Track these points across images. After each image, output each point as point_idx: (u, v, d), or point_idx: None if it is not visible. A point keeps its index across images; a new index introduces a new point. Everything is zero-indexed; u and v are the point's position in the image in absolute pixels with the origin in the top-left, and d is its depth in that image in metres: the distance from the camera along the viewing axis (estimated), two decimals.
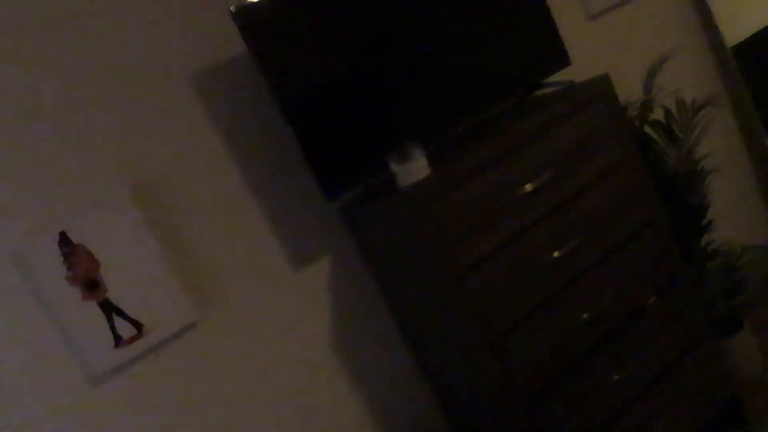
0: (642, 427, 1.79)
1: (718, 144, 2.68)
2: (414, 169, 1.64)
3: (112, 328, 1.72)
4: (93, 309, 1.71)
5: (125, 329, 1.73)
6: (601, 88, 1.85)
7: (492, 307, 1.63)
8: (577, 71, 2.34)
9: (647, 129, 2.25)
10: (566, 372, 1.71)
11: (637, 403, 1.80)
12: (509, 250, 1.66)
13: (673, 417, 1.85)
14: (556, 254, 1.71)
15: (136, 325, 1.74)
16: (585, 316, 1.73)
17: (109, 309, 1.73)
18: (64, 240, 1.71)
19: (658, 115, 2.30)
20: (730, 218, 2.67)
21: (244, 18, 1.67)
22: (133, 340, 1.74)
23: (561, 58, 2.05)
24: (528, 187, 1.70)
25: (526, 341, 1.66)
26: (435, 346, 1.85)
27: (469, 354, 1.68)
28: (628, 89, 2.44)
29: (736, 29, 2.60)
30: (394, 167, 1.64)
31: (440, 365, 1.89)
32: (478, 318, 1.61)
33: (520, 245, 1.68)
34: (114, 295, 1.73)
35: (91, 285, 1.73)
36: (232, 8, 1.67)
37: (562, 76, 2.19)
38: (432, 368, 1.97)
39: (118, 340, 1.72)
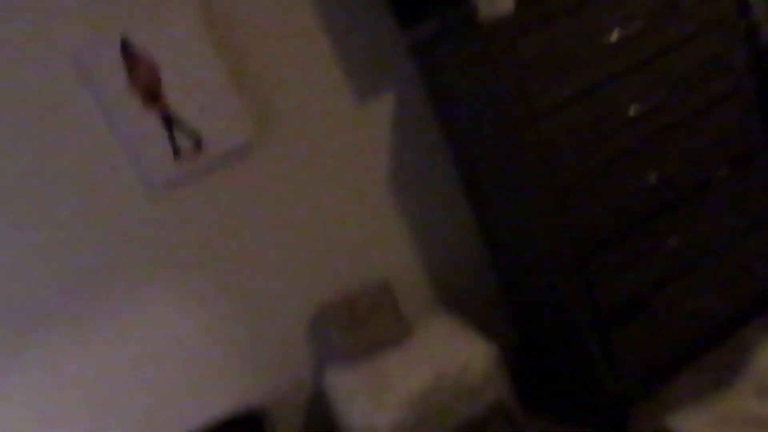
0: (687, 297, 1.80)
1: None
2: (498, 1, 1.52)
3: (172, 140, 1.72)
4: (153, 119, 1.70)
5: (184, 143, 1.73)
6: None
7: (561, 156, 1.58)
8: None
9: None
10: (624, 232, 1.69)
11: (687, 273, 1.79)
12: (586, 100, 1.58)
13: (720, 293, 1.84)
14: (632, 111, 1.62)
15: (196, 139, 1.73)
16: (652, 178, 1.68)
17: (170, 121, 1.72)
18: (125, 47, 1.67)
19: None
20: None
21: None
22: (191, 154, 1.74)
23: None
24: (614, 36, 1.58)
25: (590, 195, 1.62)
26: (493, 194, 1.82)
27: (529, 204, 1.65)
28: None
29: None
30: None
31: (495, 213, 1.88)
32: (545, 166, 1.56)
33: (598, 96, 1.59)
34: (174, 107, 1.71)
35: (152, 94, 1.71)
36: None
37: None
38: (486, 216, 1.96)
39: (177, 153, 1.73)
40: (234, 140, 1.76)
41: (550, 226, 1.62)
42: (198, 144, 1.73)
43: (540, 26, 1.52)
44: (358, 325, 1.83)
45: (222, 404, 1.86)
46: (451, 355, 1.67)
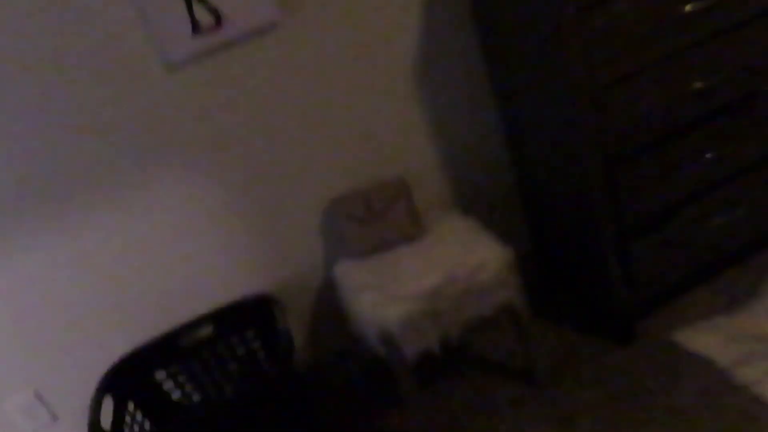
0: (712, 215, 1.74)
1: None
2: None
3: (191, 13, 1.63)
4: None
5: (204, 17, 1.64)
6: None
7: (602, 54, 1.47)
8: None
9: None
10: (658, 141, 1.61)
11: (717, 190, 1.72)
12: None
13: (746, 214, 1.78)
14: (687, 8, 1.50)
15: (216, 14, 1.65)
16: (698, 85, 1.57)
17: None
18: None
19: None
20: None
21: None
22: (211, 30, 1.66)
23: None
24: None
25: (630, 99, 1.53)
26: (525, 94, 1.73)
27: (563, 104, 1.56)
28: None
29: None
30: None
31: (524, 115, 1.80)
32: (584, 64, 1.46)
33: None
34: None
35: None
36: None
37: None
38: (513, 117, 1.88)
39: (196, 28, 1.65)
40: (255, 18, 1.67)
41: (583, 129, 1.54)
42: (218, 19, 1.65)
43: None
44: (371, 220, 1.82)
45: (232, 290, 1.89)
46: (464, 254, 1.65)
